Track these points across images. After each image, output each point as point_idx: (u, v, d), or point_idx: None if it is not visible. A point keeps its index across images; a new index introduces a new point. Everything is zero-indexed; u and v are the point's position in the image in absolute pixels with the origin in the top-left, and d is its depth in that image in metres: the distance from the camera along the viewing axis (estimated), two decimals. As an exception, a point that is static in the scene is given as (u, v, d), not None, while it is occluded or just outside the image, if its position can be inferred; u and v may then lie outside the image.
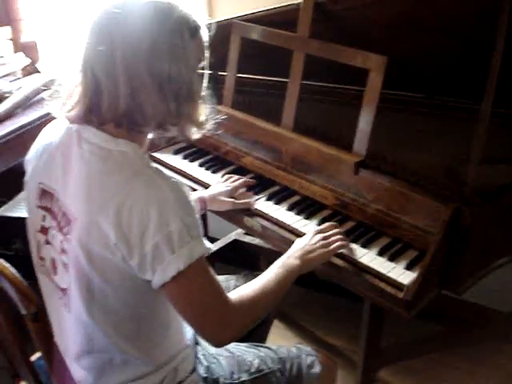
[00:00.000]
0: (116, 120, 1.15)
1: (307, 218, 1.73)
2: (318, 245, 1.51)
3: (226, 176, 1.89)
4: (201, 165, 2.01)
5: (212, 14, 2.40)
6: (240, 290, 1.30)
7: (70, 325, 1.28)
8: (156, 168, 1.18)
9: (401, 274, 1.51)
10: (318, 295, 2.59)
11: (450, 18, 1.66)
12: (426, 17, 1.68)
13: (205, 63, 1.22)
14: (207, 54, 1.22)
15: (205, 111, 1.25)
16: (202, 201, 1.75)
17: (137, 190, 1.12)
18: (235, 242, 2.51)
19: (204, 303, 1.19)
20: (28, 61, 2.51)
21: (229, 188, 1.80)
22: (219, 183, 1.85)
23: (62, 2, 2.68)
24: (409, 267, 1.53)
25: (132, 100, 1.12)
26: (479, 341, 2.31)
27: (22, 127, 2.17)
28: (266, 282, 1.34)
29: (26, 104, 2.26)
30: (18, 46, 2.62)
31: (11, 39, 2.63)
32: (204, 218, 2.39)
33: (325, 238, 1.54)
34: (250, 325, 1.30)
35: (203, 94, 1.24)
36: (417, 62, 1.80)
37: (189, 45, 1.14)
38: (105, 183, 1.14)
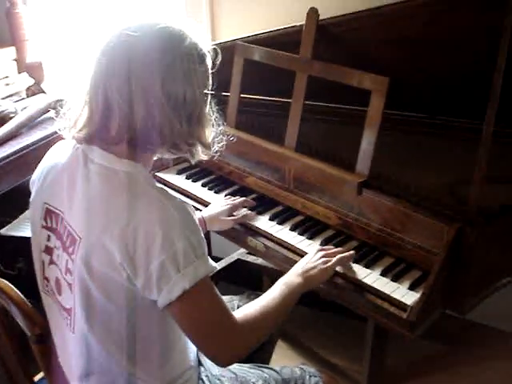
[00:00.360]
0: (129, 141, 1.17)
1: (310, 237, 1.73)
2: (319, 261, 1.53)
3: (227, 197, 1.91)
4: (204, 185, 2.02)
5: (215, 36, 2.41)
6: (244, 309, 1.30)
7: (74, 345, 1.28)
8: (161, 188, 1.19)
9: (404, 294, 1.51)
10: (322, 315, 2.58)
11: (452, 39, 1.67)
12: (428, 38, 1.69)
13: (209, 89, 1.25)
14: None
15: (212, 134, 1.27)
16: (201, 222, 1.74)
17: (141, 210, 1.12)
18: (238, 261, 2.51)
19: (210, 322, 1.19)
20: (32, 81, 2.53)
21: (228, 207, 1.80)
22: (217, 203, 1.85)
23: (67, 23, 2.71)
24: (412, 287, 1.52)
25: (148, 121, 1.14)
26: (484, 361, 2.29)
27: (26, 147, 2.18)
28: (269, 301, 1.34)
29: (31, 124, 2.28)
30: (23, 67, 2.63)
31: (16, 59, 2.65)
32: (207, 237, 2.39)
33: (327, 255, 1.55)
34: (255, 344, 1.31)
35: (212, 117, 1.27)
36: (420, 83, 1.81)
37: (199, 70, 1.18)
38: (110, 203, 1.15)
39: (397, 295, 1.51)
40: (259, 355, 1.70)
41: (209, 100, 1.25)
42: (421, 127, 1.94)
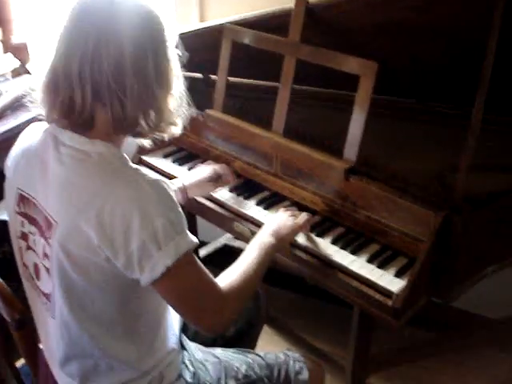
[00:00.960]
0: (118, 125, 1.14)
1: (297, 223, 1.72)
2: (287, 221, 1.58)
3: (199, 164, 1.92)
4: (190, 169, 2.00)
5: (203, 17, 2.38)
6: (225, 276, 1.31)
7: (55, 330, 1.27)
8: (135, 167, 1.18)
9: (390, 281, 1.51)
10: (308, 300, 2.58)
11: (442, 23, 1.65)
12: (418, 22, 1.68)
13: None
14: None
15: (176, 107, 1.23)
16: (183, 190, 1.74)
17: (116, 190, 1.11)
18: (225, 246, 2.51)
19: (196, 295, 1.20)
20: (18, 62, 2.49)
21: (207, 172, 1.81)
22: (198, 170, 1.85)
23: (53, 3, 2.67)
24: (398, 274, 1.52)
25: (115, 87, 1.10)
26: (469, 348, 2.30)
27: (11, 129, 2.15)
28: (248, 265, 1.37)
29: (15, 106, 2.25)
30: (8, 47, 2.59)
31: (1, 40, 2.61)
32: (193, 221, 2.38)
33: (291, 215, 1.61)
34: (240, 309, 1.33)
35: (179, 90, 1.23)
36: (409, 67, 1.80)
37: (168, 42, 1.16)
38: (84, 185, 1.13)
39: (382, 282, 1.50)
40: (245, 340, 1.70)
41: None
42: (411, 113, 1.93)
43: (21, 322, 1.18)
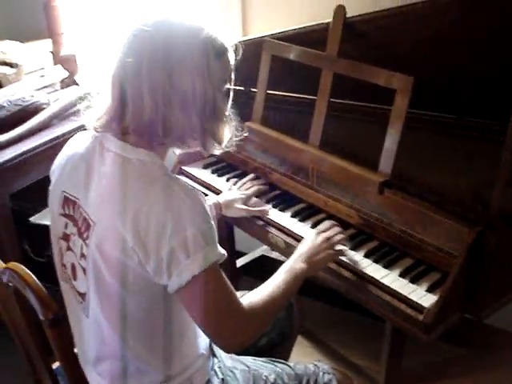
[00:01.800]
0: (138, 131, 1.19)
1: (331, 236, 1.72)
2: (322, 247, 1.55)
3: (240, 183, 1.95)
4: (228, 180, 2.04)
5: (246, 31, 2.42)
6: (250, 296, 1.32)
7: (88, 330, 1.32)
8: (173, 176, 1.22)
9: (422, 296, 1.50)
10: (343, 313, 2.57)
11: (482, 39, 1.64)
12: (456, 35, 1.67)
13: (231, 84, 1.26)
14: (233, 74, 1.26)
15: (229, 129, 1.27)
16: (218, 206, 1.79)
17: (154, 196, 1.15)
18: (262, 257, 2.53)
19: (217, 308, 1.21)
20: (66, 73, 2.58)
21: (243, 196, 1.85)
22: (232, 190, 1.91)
23: (102, 17, 2.75)
24: (430, 290, 1.51)
25: (155, 113, 1.16)
26: (502, 366, 2.25)
27: (57, 138, 2.23)
28: (274, 288, 1.36)
29: (63, 115, 2.33)
30: (58, 59, 2.69)
31: (52, 52, 2.71)
32: (231, 232, 2.41)
33: (327, 239, 1.57)
34: (260, 331, 1.34)
35: (228, 112, 1.27)
36: (446, 83, 1.79)
37: (214, 64, 1.18)
38: (123, 189, 1.18)
39: (414, 297, 1.50)
40: (277, 351, 1.71)
41: (229, 95, 1.26)
42: (448, 127, 1.92)
43: (54, 320, 1.22)
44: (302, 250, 1.54)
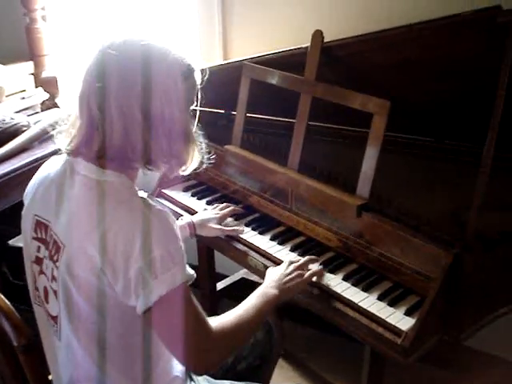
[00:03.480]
0: (108, 155, 1.19)
1: (310, 259, 1.72)
2: (293, 274, 1.57)
3: (215, 204, 1.96)
4: (208, 203, 2.03)
5: (226, 54, 2.44)
6: (220, 318, 1.31)
7: (61, 353, 1.31)
8: (142, 197, 1.22)
9: (400, 319, 1.50)
10: (325, 336, 2.56)
11: (455, 63, 1.66)
12: (431, 62, 1.69)
13: (197, 105, 1.26)
14: (200, 94, 1.28)
15: (197, 150, 1.28)
16: (191, 226, 1.80)
17: (121, 217, 1.16)
18: (242, 280, 2.52)
19: (185, 329, 1.20)
20: (47, 95, 2.58)
21: (217, 216, 1.86)
22: (207, 210, 1.92)
23: (84, 39, 2.76)
24: (408, 313, 1.51)
25: (124, 136, 1.16)
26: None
27: (37, 160, 2.22)
28: (245, 312, 1.37)
29: (43, 138, 2.32)
30: (39, 81, 2.68)
31: (33, 74, 2.71)
32: (211, 255, 2.40)
33: (299, 268, 1.60)
34: (230, 353, 1.36)
35: (195, 133, 1.28)
36: (423, 106, 1.81)
37: (182, 87, 1.18)
38: (91, 211, 1.18)
39: (392, 320, 1.49)
40: (257, 375, 1.70)
41: (195, 116, 1.27)
42: (426, 151, 1.94)
43: (27, 346, 1.21)
44: (272, 276, 1.56)
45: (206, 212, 1.90)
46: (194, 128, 1.28)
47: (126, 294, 1.16)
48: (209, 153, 1.36)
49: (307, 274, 1.59)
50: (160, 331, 1.21)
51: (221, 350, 1.28)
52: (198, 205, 2.03)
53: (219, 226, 1.85)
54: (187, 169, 1.29)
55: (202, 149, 1.31)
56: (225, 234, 1.86)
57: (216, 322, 1.28)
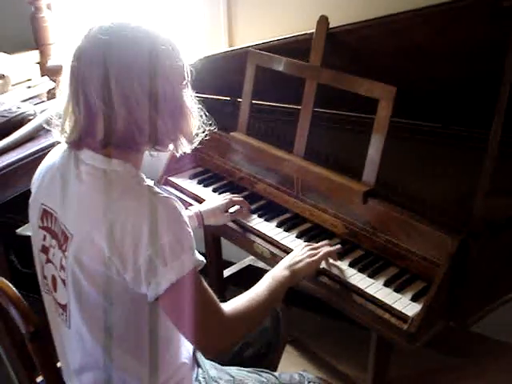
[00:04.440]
0: (112, 141, 1.19)
1: (316, 245, 1.73)
2: (305, 255, 1.57)
3: (224, 194, 1.95)
4: (214, 190, 2.03)
5: (231, 41, 2.43)
6: (233, 301, 1.33)
7: (70, 341, 1.32)
8: (148, 185, 1.22)
9: (406, 305, 1.50)
10: (332, 322, 2.57)
11: (462, 49, 1.66)
12: (438, 47, 1.68)
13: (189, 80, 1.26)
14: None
15: (195, 124, 1.29)
16: (199, 215, 1.79)
17: (128, 206, 1.16)
18: (249, 266, 2.53)
19: (198, 314, 1.21)
20: (53, 84, 2.58)
21: (224, 201, 1.85)
22: (215, 198, 1.90)
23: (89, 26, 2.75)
24: (415, 299, 1.51)
25: (130, 119, 1.16)
26: (490, 374, 2.25)
27: (43, 149, 2.21)
28: (257, 295, 1.38)
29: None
30: (45, 70, 2.68)
31: (39, 63, 2.71)
32: (218, 242, 2.41)
33: (313, 249, 1.60)
34: (243, 335, 1.36)
35: (194, 108, 1.29)
36: (429, 92, 1.80)
37: (177, 64, 1.19)
38: (98, 200, 1.18)
39: (398, 306, 1.50)
40: (264, 362, 1.70)
41: (189, 91, 1.27)
42: (433, 136, 1.93)
43: (35, 334, 1.22)
44: (287, 258, 1.57)
45: (213, 200, 1.89)
46: (193, 101, 1.28)
47: (137, 282, 1.17)
48: (210, 124, 1.37)
49: (319, 253, 1.59)
50: (173, 316, 1.22)
51: (234, 332, 1.29)
52: (205, 192, 2.03)
53: (227, 214, 1.84)
54: (192, 142, 1.29)
55: (202, 121, 1.32)
56: (232, 218, 1.85)
57: (228, 305, 1.29)
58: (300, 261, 1.55)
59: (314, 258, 1.57)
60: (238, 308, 1.31)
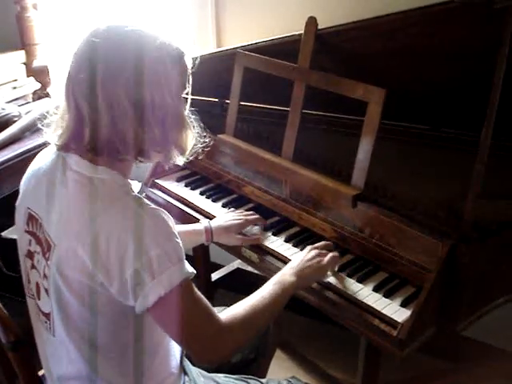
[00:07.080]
0: (97, 148, 1.15)
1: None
2: (314, 261, 1.51)
3: (239, 210, 1.85)
4: (202, 193, 2.01)
5: (220, 42, 2.41)
6: (233, 308, 1.29)
7: (54, 348, 1.29)
8: (135, 195, 1.19)
9: (396, 310, 1.48)
10: (323, 326, 2.55)
11: (451, 50, 1.64)
12: (427, 49, 1.67)
13: (189, 89, 1.23)
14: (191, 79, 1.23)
15: (192, 136, 1.25)
16: (209, 231, 1.72)
17: (113, 218, 1.12)
18: (238, 270, 2.51)
19: (192, 325, 1.19)
20: (39, 85, 2.55)
21: (238, 222, 1.75)
22: (228, 215, 1.80)
23: (76, 27, 2.72)
24: (404, 304, 1.49)
25: (113, 127, 1.12)
26: (482, 379, 2.24)
27: (29, 150, 2.20)
28: (259, 300, 1.33)
29: (34, 128, 2.29)
30: (31, 71, 2.65)
31: (25, 63, 2.67)
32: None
33: (319, 255, 1.54)
34: (244, 343, 1.31)
35: (189, 119, 1.25)
36: (419, 94, 1.79)
37: (172, 72, 1.15)
38: (83, 211, 1.15)
39: (388, 312, 1.48)
40: (252, 368, 1.69)
41: (187, 101, 1.24)
42: (422, 139, 1.91)
43: (16, 344, 1.19)
44: (293, 263, 1.51)
45: (225, 216, 1.79)
46: (187, 113, 1.24)
47: (123, 295, 1.14)
48: (204, 136, 1.33)
49: (326, 259, 1.53)
50: (164, 326, 1.20)
51: (231, 341, 1.25)
52: (192, 195, 2.00)
53: (240, 236, 1.74)
54: (185, 155, 1.25)
55: (197, 133, 1.28)
56: (246, 243, 1.75)
57: (227, 312, 1.26)
58: (307, 267, 1.49)
59: (322, 264, 1.52)
60: (238, 316, 1.27)
